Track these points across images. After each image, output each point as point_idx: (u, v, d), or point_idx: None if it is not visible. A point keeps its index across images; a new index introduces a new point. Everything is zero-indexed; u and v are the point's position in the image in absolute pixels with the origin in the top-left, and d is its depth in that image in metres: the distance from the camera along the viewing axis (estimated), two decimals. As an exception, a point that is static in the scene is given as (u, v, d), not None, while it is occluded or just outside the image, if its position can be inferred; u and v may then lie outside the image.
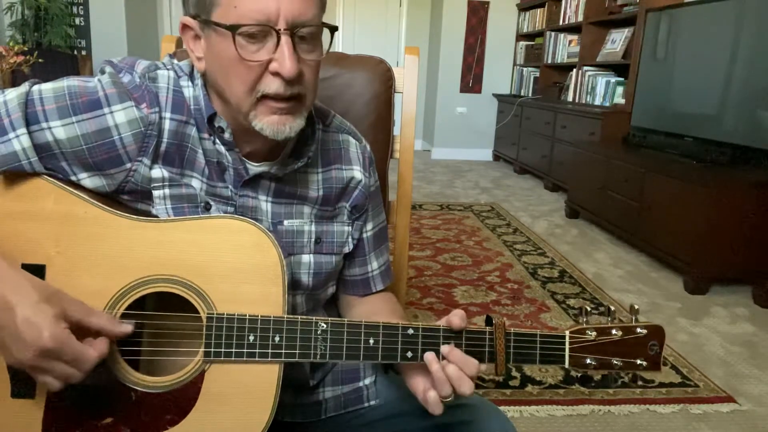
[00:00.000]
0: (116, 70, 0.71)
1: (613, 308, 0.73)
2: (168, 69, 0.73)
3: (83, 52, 4.65)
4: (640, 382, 1.80)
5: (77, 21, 4.62)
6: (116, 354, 0.66)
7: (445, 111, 6.24)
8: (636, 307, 0.72)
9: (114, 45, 4.67)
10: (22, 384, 0.65)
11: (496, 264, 2.90)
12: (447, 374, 0.66)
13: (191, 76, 0.74)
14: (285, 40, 0.64)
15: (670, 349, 2.05)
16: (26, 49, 3.22)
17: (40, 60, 3.01)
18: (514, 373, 1.84)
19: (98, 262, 0.66)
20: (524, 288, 2.58)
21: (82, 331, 0.61)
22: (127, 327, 0.64)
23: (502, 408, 1.04)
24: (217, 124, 0.72)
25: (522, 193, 4.65)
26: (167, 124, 0.71)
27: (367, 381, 0.86)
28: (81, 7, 4.62)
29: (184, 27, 0.70)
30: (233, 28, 0.63)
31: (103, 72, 0.71)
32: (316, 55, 0.69)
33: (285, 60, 0.64)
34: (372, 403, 0.85)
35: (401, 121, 1.14)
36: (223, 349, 0.66)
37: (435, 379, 0.66)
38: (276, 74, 0.65)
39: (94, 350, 0.61)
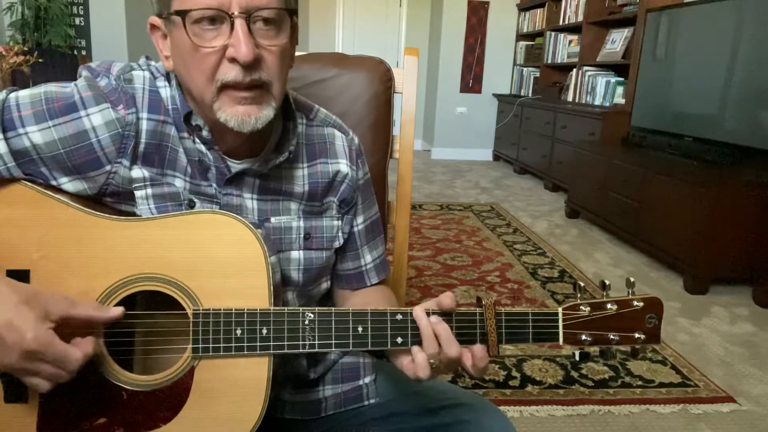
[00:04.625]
0: (93, 74, 0.71)
1: (608, 282, 0.71)
2: (143, 70, 0.73)
3: (83, 52, 4.65)
4: (639, 382, 1.81)
5: (77, 21, 4.62)
6: (105, 354, 0.66)
7: (445, 111, 6.24)
8: (632, 280, 0.70)
9: (114, 45, 4.67)
10: (14, 388, 0.65)
11: (496, 264, 2.90)
12: (436, 331, 0.67)
13: (167, 77, 0.74)
14: (239, 23, 0.62)
15: (670, 349, 2.05)
16: (26, 49, 3.22)
17: (40, 60, 3.01)
18: (514, 373, 1.84)
19: (82, 264, 0.66)
20: (524, 288, 2.58)
21: (70, 328, 0.61)
22: (116, 310, 0.64)
23: (502, 408, 1.04)
24: (194, 123, 0.72)
25: (522, 193, 4.65)
26: (144, 125, 0.71)
27: (367, 380, 0.86)
28: (81, 7, 4.62)
29: (153, 27, 0.70)
30: (182, 13, 0.63)
31: (80, 77, 0.71)
32: (279, 40, 0.66)
33: (240, 44, 0.62)
34: (372, 401, 0.85)
35: (401, 121, 1.14)
36: (210, 345, 0.66)
37: (423, 336, 0.67)
38: (233, 60, 0.64)
39: (78, 350, 0.60)
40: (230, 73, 0.64)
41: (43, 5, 4.10)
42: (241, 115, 0.66)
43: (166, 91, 0.73)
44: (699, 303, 2.50)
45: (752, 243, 2.53)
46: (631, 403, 1.70)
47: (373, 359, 0.89)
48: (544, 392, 1.74)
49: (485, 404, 0.81)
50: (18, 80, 2.93)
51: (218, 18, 0.63)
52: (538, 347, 2.01)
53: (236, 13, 0.62)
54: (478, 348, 0.68)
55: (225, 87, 0.65)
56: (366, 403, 0.85)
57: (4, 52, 2.69)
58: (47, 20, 4.17)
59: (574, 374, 1.84)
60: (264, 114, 0.68)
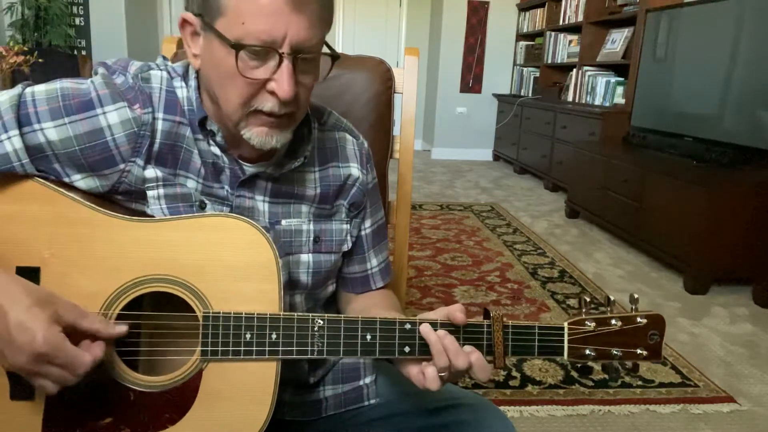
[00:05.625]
0: (110, 71, 0.71)
1: (612, 298, 0.72)
2: (161, 70, 0.73)
3: (83, 52, 4.65)
4: (639, 382, 1.81)
5: (77, 21, 4.63)
6: (114, 354, 0.66)
7: (445, 111, 6.24)
8: (635, 296, 0.71)
9: (114, 45, 4.67)
10: (21, 386, 0.65)
11: (496, 264, 2.90)
12: (444, 345, 0.66)
13: (184, 78, 0.74)
14: (287, 63, 0.64)
15: (670, 349, 2.05)
16: (26, 49, 3.23)
17: (40, 60, 3.01)
18: (514, 373, 1.84)
19: (93, 264, 0.66)
20: (524, 288, 2.58)
21: (77, 334, 0.61)
22: (122, 328, 0.64)
23: (502, 408, 1.04)
24: (208, 128, 0.73)
25: (522, 193, 4.65)
26: (160, 125, 0.71)
27: (368, 380, 0.86)
28: (81, 7, 4.63)
29: (185, 22, 0.69)
30: (237, 47, 0.62)
31: (96, 73, 0.71)
32: (312, 78, 0.69)
33: (284, 83, 0.64)
34: (372, 401, 0.85)
35: (401, 121, 1.14)
36: (220, 348, 0.66)
37: (433, 351, 0.67)
38: (272, 93, 0.65)
39: (88, 354, 0.60)
40: (267, 103, 0.66)
41: (43, 5, 4.10)
42: (264, 135, 0.68)
43: (182, 91, 0.73)
44: (699, 303, 2.50)
45: (752, 243, 2.52)
46: (631, 403, 1.70)
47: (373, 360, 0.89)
48: (544, 392, 1.74)
49: (485, 404, 0.81)
50: (18, 80, 2.93)
51: (266, 52, 0.63)
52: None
53: (286, 52, 0.63)
54: (466, 347, 0.68)
55: (257, 111, 0.67)
56: (366, 403, 0.85)
57: (4, 52, 2.69)
58: (47, 20, 4.17)
59: (574, 374, 1.84)
60: (284, 135, 0.70)
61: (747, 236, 2.53)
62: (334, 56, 0.70)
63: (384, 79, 1.12)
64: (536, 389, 1.76)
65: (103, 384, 0.66)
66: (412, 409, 0.82)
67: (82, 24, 4.65)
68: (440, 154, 6.31)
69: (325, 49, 0.69)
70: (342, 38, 6.43)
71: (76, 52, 4.54)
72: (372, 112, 1.11)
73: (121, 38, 4.70)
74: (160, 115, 0.71)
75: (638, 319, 0.70)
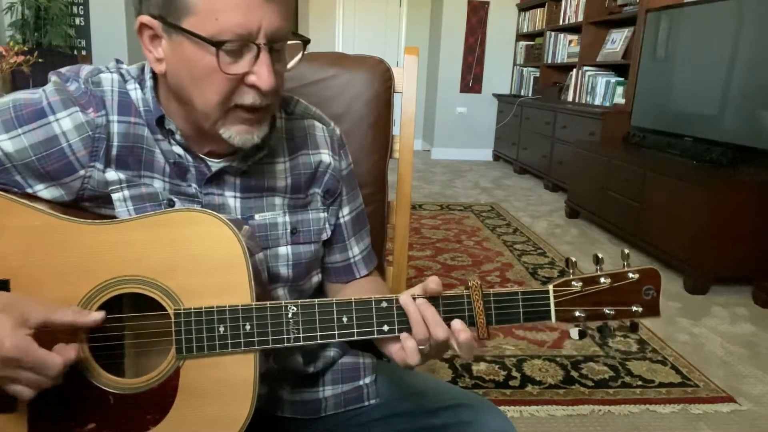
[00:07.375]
0: (62, 79, 0.70)
1: (600, 255, 0.68)
2: (112, 72, 0.73)
3: (83, 52, 4.65)
4: (639, 382, 1.81)
5: (77, 21, 4.62)
6: (90, 359, 0.65)
7: (445, 111, 6.24)
8: (626, 252, 0.68)
9: (114, 45, 4.67)
10: (2, 399, 0.63)
11: (496, 264, 2.90)
12: (423, 315, 0.65)
13: (139, 79, 0.73)
14: (264, 54, 0.64)
15: (670, 349, 2.05)
16: (26, 49, 3.22)
17: (40, 60, 3.00)
18: (514, 373, 1.84)
19: (61, 270, 0.65)
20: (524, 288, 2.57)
21: (52, 334, 0.60)
22: (98, 315, 0.63)
23: (502, 408, 1.04)
24: (167, 127, 0.72)
25: (522, 193, 4.65)
26: (116, 127, 0.70)
27: (368, 380, 0.86)
28: (81, 7, 4.62)
29: (142, 26, 0.67)
30: (218, 44, 0.62)
31: (49, 82, 0.71)
32: (283, 65, 0.69)
33: (264, 75, 0.64)
34: (372, 402, 0.85)
35: (401, 121, 1.14)
36: (194, 344, 0.65)
37: (412, 322, 0.65)
38: (252, 86, 0.65)
39: (58, 355, 0.60)
40: (248, 97, 0.66)
41: (43, 5, 4.10)
42: (245, 133, 0.69)
43: (136, 93, 0.73)
44: (699, 303, 2.50)
45: (752, 243, 2.52)
46: (631, 403, 1.70)
47: (373, 359, 0.89)
48: (544, 392, 1.74)
49: (485, 404, 0.80)
50: (18, 80, 2.93)
51: (245, 46, 0.64)
52: (538, 346, 2.01)
53: (262, 44, 0.64)
54: (456, 323, 0.66)
55: (236, 107, 0.67)
56: (366, 403, 0.85)
57: (4, 52, 2.69)
58: (47, 20, 4.16)
59: (574, 374, 1.84)
60: (263, 130, 0.71)
61: (747, 236, 2.53)
62: (305, 41, 0.70)
63: (384, 78, 1.12)
64: (536, 389, 1.76)
65: (83, 390, 0.65)
66: (412, 409, 0.82)
67: (82, 24, 4.64)
68: (440, 154, 6.31)
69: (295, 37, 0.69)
70: (342, 38, 6.43)
71: (76, 52, 4.54)
72: (372, 112, 1.11)
73: (121, 38, 4.69)
74: (114, 117, 0.70)
75: (629, 275, 0.67)
